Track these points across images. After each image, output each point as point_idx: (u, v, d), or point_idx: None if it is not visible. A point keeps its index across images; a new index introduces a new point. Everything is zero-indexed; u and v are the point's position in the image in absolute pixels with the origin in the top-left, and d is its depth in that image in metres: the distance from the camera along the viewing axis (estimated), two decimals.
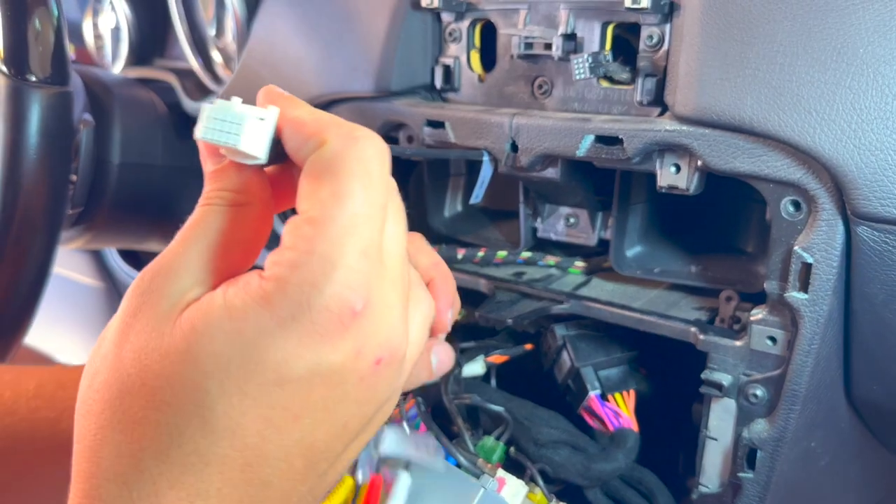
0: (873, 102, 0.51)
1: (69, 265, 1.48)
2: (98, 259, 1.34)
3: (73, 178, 0.77)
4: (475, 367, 0.79)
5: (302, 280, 0.36)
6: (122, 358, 0.37)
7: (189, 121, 0.96)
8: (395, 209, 0.40)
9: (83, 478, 0.36)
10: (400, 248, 0.40)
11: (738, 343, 0.63)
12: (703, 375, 0.64)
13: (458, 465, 0.64)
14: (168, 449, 0.35)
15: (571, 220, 0.79)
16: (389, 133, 0.77)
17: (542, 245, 0.84)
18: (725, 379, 0.63)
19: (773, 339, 0.61)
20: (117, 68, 1.09)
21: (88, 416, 0.37)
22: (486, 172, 0.70)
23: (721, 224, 0.77)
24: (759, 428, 0.62)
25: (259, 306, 0.36)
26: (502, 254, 0.83)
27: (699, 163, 0.60)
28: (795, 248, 0.57)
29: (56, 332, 1.62)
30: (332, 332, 0.36)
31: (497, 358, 0.80)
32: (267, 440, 0.36)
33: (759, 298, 0.65)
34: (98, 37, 1.15)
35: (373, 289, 0.37)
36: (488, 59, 0.73)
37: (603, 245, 0.78)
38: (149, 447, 0.35)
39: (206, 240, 0.40)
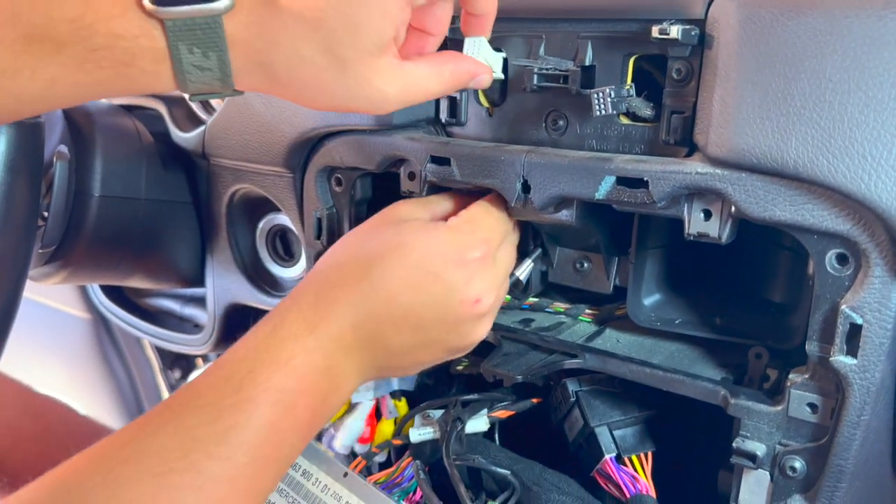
0: None
1: (56, 296, 1.43)
2: (85, 290, 1.29)
3: (45, 214, 0.71)
4: (479, 424, 0.73)
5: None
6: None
7: (176, 151, 0.90)
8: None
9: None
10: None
11: (774, 409, 0.56)
12: (734, 444, 0.58)
13: None
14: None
15: (585, 265, 0.73)
16: (389, 169, 0.71)
17: (549, 288, 0.78)
18: (759, 448, 0.57)
19: (813, 406, 0.55)
20: None
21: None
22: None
23: (747, 271, 0.71)
24: None
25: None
26: (507, 298, 0.77)
27: (733, 209, 0.54)
28: (843, 307, 0.51)
29: (42, 363, 1.57)
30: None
31: (502, 413, 0.74)
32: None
33: (790, 355, 0.59)
34: None
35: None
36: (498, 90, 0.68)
37: (618, 290, 0.72)
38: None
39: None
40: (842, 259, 0.51)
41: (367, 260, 0.59)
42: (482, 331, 0.62)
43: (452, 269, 0.59)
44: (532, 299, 0.78)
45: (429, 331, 0.59)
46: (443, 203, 0.67)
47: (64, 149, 0.73)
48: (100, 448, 0.50)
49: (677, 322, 0.68)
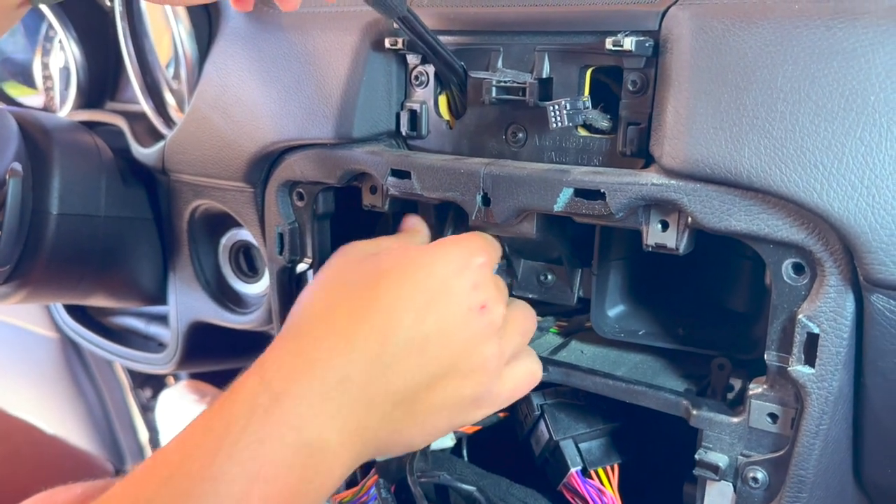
0: (888, 155, 0.45)
1: (23, 315, 1.41)
2: (52, 310, 1.27)
3: None
4: (444, 440, 0.72)
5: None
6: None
7: (136, 167, 0.89)
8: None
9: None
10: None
11: (735, 420, 0.56)
12: (697, 456, 0.58)
13: None
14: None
15: (549, 277, 0.73)
16: (351, 183, 0.71)
17: None
18: (721, 460, 0.57)
19: (773, 416, 0.55)
20: (65, 111, 1.02)
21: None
22: None
23: (709, 281, 0.71)
24: None
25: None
26: None
27: (689, 220, 0.54)
28: (800, 316, 0.51)
29: (8, 384, 1.54)
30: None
31: (468, 428, 0.73)
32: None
33: (752, 365, 0.59)
34: (47, 77, 1.08)
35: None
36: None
37: (582, 302, 0.72)
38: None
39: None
40: (798, 268, 0.51)
41: (360, 292, 0.52)
42: (494, 357, 0.53)
43: (457, 277, 0.53)
44: None
45: (436, 353, 0.51)
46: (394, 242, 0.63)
47: (18, 166, 0.71)
48: None
49: (641, 333, 0.68)
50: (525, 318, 0.60)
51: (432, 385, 0.51)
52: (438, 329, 0.51)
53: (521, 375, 0.58)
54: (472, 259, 0.54)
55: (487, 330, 0.53)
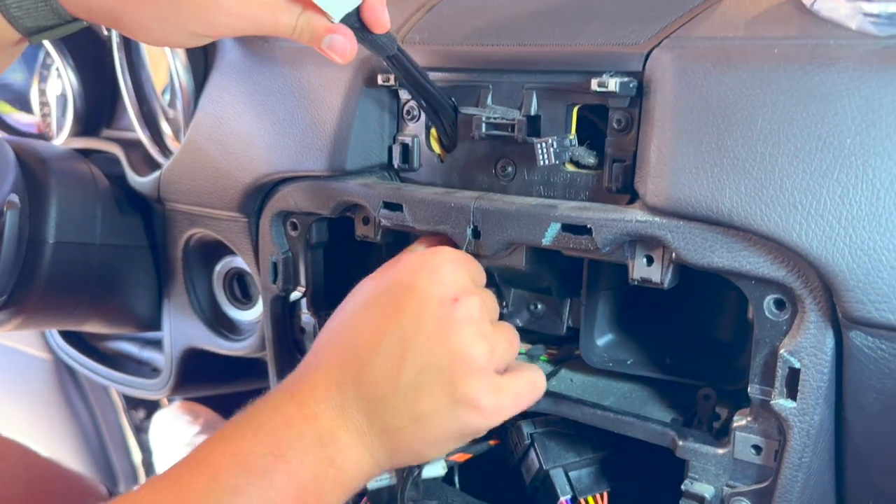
0: (864, 196, 0.46)
1: (16, 336, 1.41)
2: (46, 334, 1.27)
3: None
4: (436, 468, 0.72)
5: None
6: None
7: (132, 196, 0.90)
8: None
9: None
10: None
11: (720, 451, 0.57)
12: (683, 486, 0.59)
13: None
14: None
15: (539, 307, 0.74)
16: (344, 214, 0.72)
17: None
18: (707, 491, 0.58)
19: (757, 447, 0.56)
20: (62, 138, 1.03)
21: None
22: None
23: (696, 311, 0.72)
24: None
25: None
26: None
27: (673, 255, 0.55)
28: (781, 351, 0.52)
29: (1, 405, 1.54)
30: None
31: (459, 456, 0.74)
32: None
33: (738, 395, 0.60)
34: (44, 104, 1.09)
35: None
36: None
37: (572, 331, 0.73)
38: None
39: None
40: (779, 304, 0.53)
41: (334, 318, 0.57)
42: (479, 350, 0.53)
43: (421, 277, 0.54)
44: None
45: (417, 354, 0.52)
46: None
47: (15, 198, 0.72)
48: None
49: (629, 363, 0.69)
50: (510, 333, 0.59)
51: (425, 388, 0.52)
52: (414, 329, 0.53)
53: (522, 384, 0.57)
54: (433, 258, 0.56)
55: (467, 326, 0.53)
